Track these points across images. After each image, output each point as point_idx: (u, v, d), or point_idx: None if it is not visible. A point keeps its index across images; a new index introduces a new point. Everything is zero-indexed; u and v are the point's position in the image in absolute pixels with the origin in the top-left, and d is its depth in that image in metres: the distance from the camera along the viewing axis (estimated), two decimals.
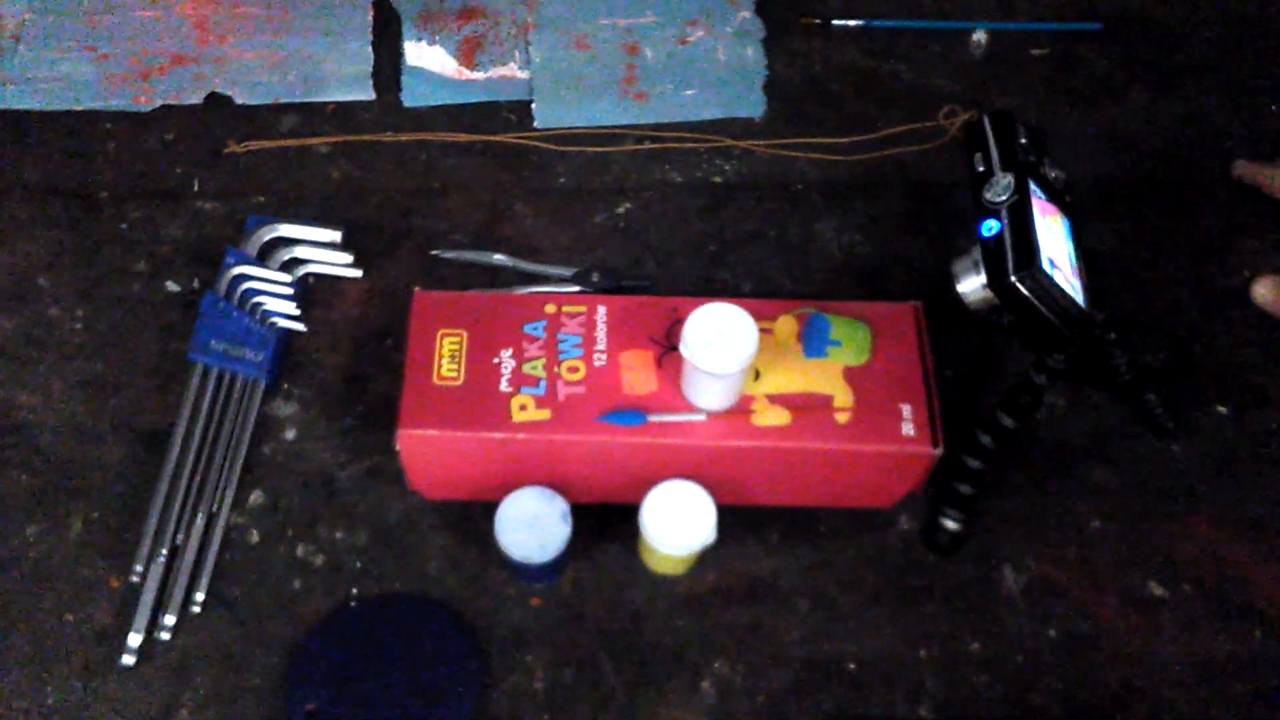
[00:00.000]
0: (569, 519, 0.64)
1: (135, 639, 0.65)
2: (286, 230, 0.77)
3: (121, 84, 0.87)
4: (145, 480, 0.70)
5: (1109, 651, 0.67)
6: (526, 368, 0.65)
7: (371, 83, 0.87)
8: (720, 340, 0.59)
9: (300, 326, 0.75)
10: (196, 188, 0.82)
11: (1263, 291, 0.77)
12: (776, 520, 0.70)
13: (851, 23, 0.92)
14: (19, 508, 0.69)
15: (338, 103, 0.87)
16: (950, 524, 0.68)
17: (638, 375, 0.65)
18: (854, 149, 0.85)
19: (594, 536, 0.68)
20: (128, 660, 0.64)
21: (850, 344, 0.66)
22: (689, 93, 0.88)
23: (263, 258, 0.77)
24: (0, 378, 0.74)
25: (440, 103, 0.87)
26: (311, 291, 0.78)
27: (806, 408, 0.64)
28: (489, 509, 0.64)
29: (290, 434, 0.72)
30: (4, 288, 0.78)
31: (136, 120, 0.85)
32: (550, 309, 0.67)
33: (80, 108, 0.85)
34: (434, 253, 0.79)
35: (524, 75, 0.88)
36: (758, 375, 0.65)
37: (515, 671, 0.65)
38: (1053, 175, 0.65)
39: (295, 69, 0.88)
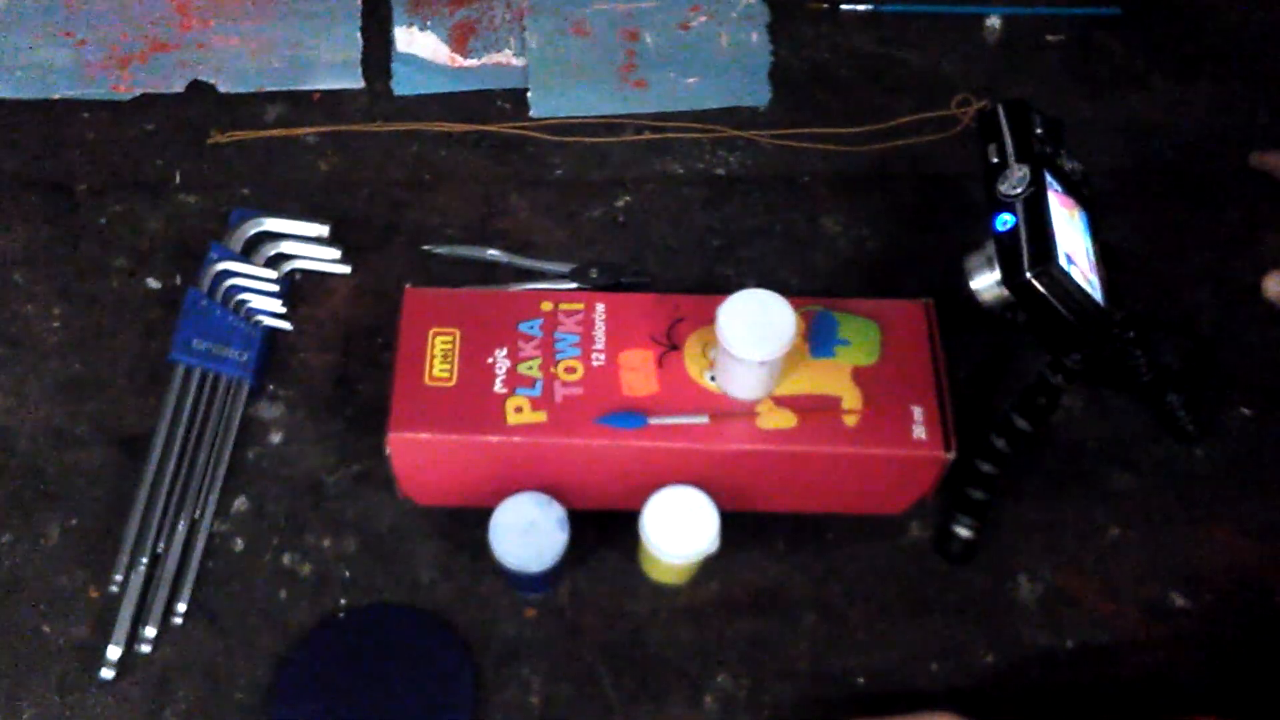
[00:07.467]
0: (566, 526, 0.62)
1: (115, 651, 0.63)
2: (272, 224, 0.76)
3: (100, 71, 0.84)
4: (125, 486, 0.68)
5: (1128, 664, 0.65)
6: (522, 368, 0.64)
7: (360, 70, 0.86)
8: (759, 326, 0.59)
9: (286, 325, 0.74)
10: (178, 180, 0.80)
11: (1274, 285, 0.75)
12: (782, 527, 0.68)
13: (860, 7, 0.90)
14: None
15: (325, 91, 0.85)
16: (963, 531, 0.67)
17: (638, 376, 0.63)
18: (863, 139, 0.84)
19: (592, 544, 0.66)
20: (107, 674, 0.63)
21: (859, 343, 0.65)
22: (691, 81, 0.86)
23: (247, 253, 0.75)
24: None
25: (432, 91, 0.85)
26: (298, 288, 0.76)
27: (813, 410, 0.63)
28: (483, 515, 0.62)
29: (276, 437, 0.71)
30: None
31: (115, 109, 0.83)
32: (546, 307, 0.66)
33: (56, 96, 0.84)
34: (425, 248, 0.77)
35: (519, 62, 0.87)
36: None
37: (510, 685, 0.64)
38: (1070, 167, 0.64)
39: (281, 56, 0.86)
